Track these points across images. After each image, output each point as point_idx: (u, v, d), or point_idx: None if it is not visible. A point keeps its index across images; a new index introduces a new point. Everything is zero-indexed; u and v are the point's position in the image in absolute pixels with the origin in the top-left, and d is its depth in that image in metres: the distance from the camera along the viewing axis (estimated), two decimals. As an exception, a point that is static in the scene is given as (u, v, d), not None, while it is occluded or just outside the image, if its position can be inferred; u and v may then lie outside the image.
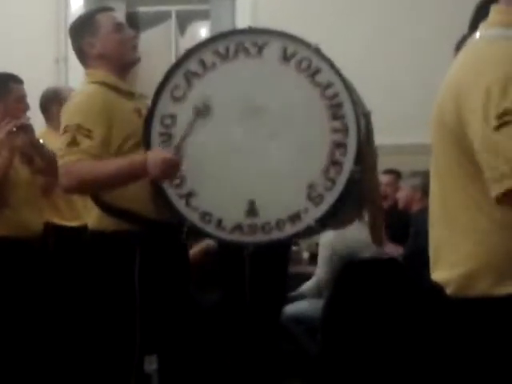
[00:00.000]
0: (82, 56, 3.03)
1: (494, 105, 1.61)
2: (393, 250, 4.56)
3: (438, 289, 1.81)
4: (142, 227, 2.86)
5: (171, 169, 2.75)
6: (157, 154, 2.75)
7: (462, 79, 1.71)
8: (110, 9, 3.17)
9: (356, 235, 4.15)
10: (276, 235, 2.76)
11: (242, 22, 5.67)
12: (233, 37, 2.80)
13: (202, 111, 2.74)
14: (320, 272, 4.47)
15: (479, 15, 1.98)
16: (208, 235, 2.91)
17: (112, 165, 2.79)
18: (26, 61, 5.37)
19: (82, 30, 3.01)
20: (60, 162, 2.83)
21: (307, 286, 4.67)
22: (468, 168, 1.71)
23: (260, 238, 2.77)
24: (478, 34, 1.81)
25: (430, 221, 1.90)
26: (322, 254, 4.42)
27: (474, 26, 1.94)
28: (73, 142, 2.78)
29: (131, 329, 2.85)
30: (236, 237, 2.79)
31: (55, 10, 6.00)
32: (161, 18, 6.29)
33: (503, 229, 1.68)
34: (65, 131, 2.83)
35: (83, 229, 3.11)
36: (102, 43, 2.97)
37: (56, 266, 4.00)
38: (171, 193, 2.82)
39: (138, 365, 2.88)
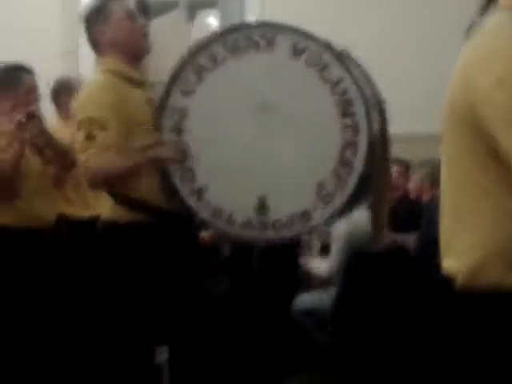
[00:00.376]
0: (95, 44, 3.03)
1: (507, 93, 1.58)
2: (403, 238, 4.56)
3: (448, 279, 1.79)
4: (155, 218, 2.87)
5: (179, 152, 2.79)
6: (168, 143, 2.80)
7: (473, 66, 1.69)
8: None
9: (368, 226, 4.14)
10: (286, 233, 2.76)
11: (251, 10, 5.65)
12: (243, 31, 2.79)
13: None
14: (333, 262, 4.46)
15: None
16: (219, 231, 2.91)
17: (129, 160, 2.83)
18: (35, 52, 5.33)
19: (94, 18, 3.01)
20: (80, 158, 2.84)
21: (319, 271, 4.65)
22: (478, 156, 1.70)
23: (270, 235, 2.77)
24: (487, 19, 1.77)
25: (440, 210, 1.88)
26: (336, 245, 4.41)
27: (483, 11, 1.92)
28: (89, 137, 2.80)
29: (144, 320, 2.86)
30: (246, 233, 2.79)
31: (65, 1, 5.99)
32: (169, 6, 6.26)
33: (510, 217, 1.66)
34: (79, 127, 2.84)
35: (95, 220, 3.12)
36: (113, 30, 2.96)
37: (68, 257, 4.00)
38: (183, 188, 2.82)
39: (150, 356, 2.89)
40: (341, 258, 4.37)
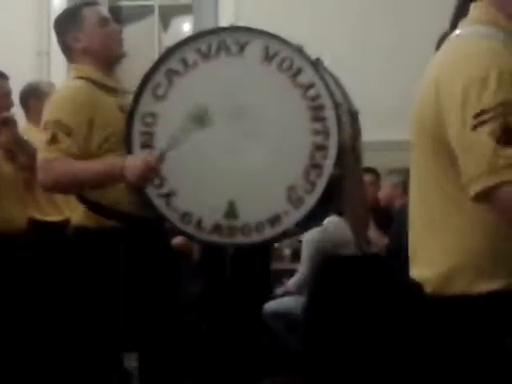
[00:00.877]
0: (67, 51, 3.00)
1: (470, 104, 1.61)
2: (377, 237, 4.57)
3: (417, 286, 1.81)
4: (125, 223, 2.85)
5: (149, 174, 2.76)
6: (136, 160, 2.76)
7: (440, 77, 1.71)
8: (95, 3, 3.14)
9: (339, 232, 4.16)
10: (255, 238, 2.75)
11: (225, 17, 5.65)
12: (215, 35, 2.78)
13: (199, 119, 2.73)
14: (303, 269, 4.48)
15: (460, 12, 1.98)
16: (188, 236, 2.90)
17: (89, 167, 2.80)
18: (8, 54, 5.32)
19: (67, 25, 2.98)
20: (38, 158, 2.83)
21: (290, 283, 4.67)
22: (446, 165, 1.71)
23: (239, 239, 2.76)
24: (457, 31, 1.80)
25: (409, 218, 1.90)
26: (306, 252, 4.43)
27: (454, 23, 1.94)
28: (53, 140, 2.78)
29: (114, 326, 2.84)
30: (215, 238, 2.78)
31: (37, 3, 5.97)
32: (143, 12, 6.26)
33: (481, 226, 1.68)
34: (45, 127, 2.82)
35: (65, 223, 3.10)
36: (87, 37, 2.94)
37: (38, 262, 3.98)
38: (152, 192, 2.81)
39: (119, 361, 2.88)
40: (311, 264, 4.39)
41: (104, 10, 3.15)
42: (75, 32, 2.95)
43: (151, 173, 2.76)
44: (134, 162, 2.76)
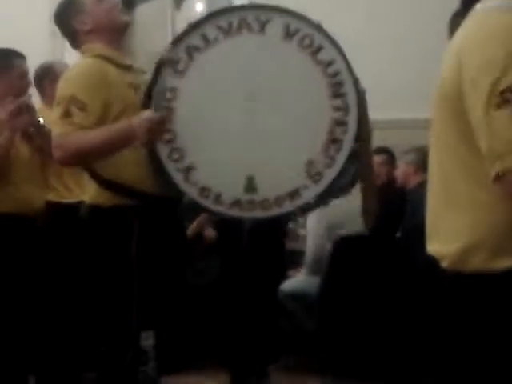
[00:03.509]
0: (76, 36, 3.04)
1: (493, 82, 1.60)
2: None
3: (433, 263, 1.81)
4: (140, 202, 2.87)
5: (156, 126, 2.76)
6: (141, 116, 2.77)
7: (463, 51, 1.70)
8: None
9: (344, 209, 4.16)
10: (275, 212, 2.76)
11: (239, -2, 5.64)
12: (236, 12, 2.79)
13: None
14: (310, 248, 4.49)
15: None
16: (206, 210, 2.91)
17: (101, 134, 2.80)
18: (22, 35, 5.32)
19: (68, 12, 3.03)
20: (53, 134, 2.84)
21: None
22: (468, 141, 1.70)
23: (259, 214, 2.78)
24: (479, 5, 1.78)
25: (428, 194, 1.89)
26: (312, 230, 4.44)
27: (465, 1, 1.93)
28: (66, 114, 2.80)
29: (128, 304, 2.86)
30: (235, 212, 2.79)
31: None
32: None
33: (501, 202, 1.67)
34: (58, 102, 2.84)
35: (78, 205, 3.11)
36: (91, 17, 2.98)
37: (52, 242, 4.00)
38: (170, 167, 2.81)
39: (135, 340, 2.89)
40: (316, 238, 4.39)
41: None
42: (79, 16, 2.99)
43: (158, 123, 2.77)
44: (140, 116, 2.77)
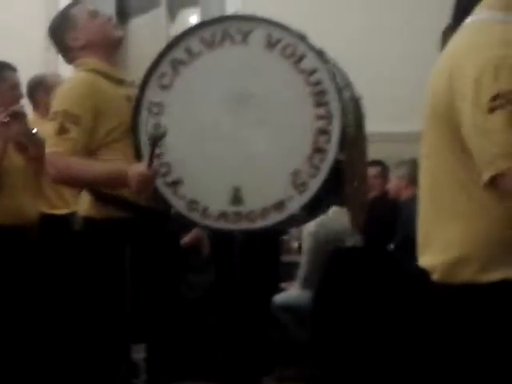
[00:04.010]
0: (69, 52, 3.06)
1: (485, 88, 1.61)
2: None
3: (424, 275, 1.81)
4: (134, 214, 2.87)
5: (146, 185, 2.77)
6: (136, 168, 2.78)
7: (455, 63, 1.71)
8: (79, 1, 3.19)
9: (339, 224, 4.16)
10: (261, 223, 2.75)
11: (232, 9, 5.65)
12: (218, 24, 2.79)
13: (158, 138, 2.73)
14: (304, 262, 4.49)
15: (462, 3, 1.98)
16: (194, 223, 2.91)
17: (94, 170, 2.84)
18: (17, 49, 5.35)
19: (62, 29, 3.05)
20: (48, 150, 2.85)
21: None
22: (458, 153, 1.71)
23: (245, 225, 2.77)
24: (471, 18, 1.80)
25: (419, 207, 1.90)
26: (306, 244, 4.44)
27: (457, 15, 1.94)
28: (61, 130, 2.81)
29: (121, 317, 2.85)
30: (221, 225, 2.79)
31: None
32: (151, 4, 6.27)
33: (491, 215, 1.68)
34: (52, 118, 2.85)
35: (71, 216, 3.12)
36: (84, 33, 3.01)
37: (46, 254, 4.00)
38: (158, 181, 2.81)
39: (126, 353, 2.89)
40: (311, 257, 4.39)
41: (89, 4, 3.19)
42: (72, 32, 3.02)
43: (147, 182, 2.77)
44: (134, 170, 2.78)
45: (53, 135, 2.83)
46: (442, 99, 1.74)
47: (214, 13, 5.60)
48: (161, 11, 6.20)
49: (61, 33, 3.05)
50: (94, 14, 3.06)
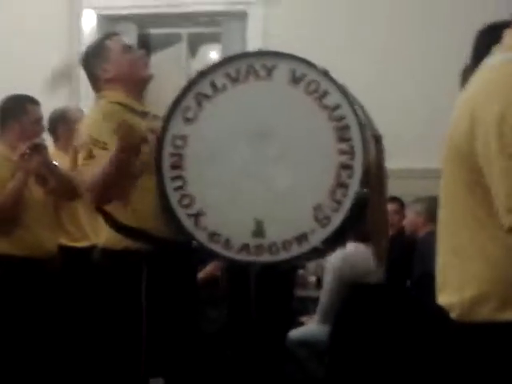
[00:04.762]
0: (97, 82, 3.10)
1: (509, 131, 1.61)
2: None
3: (443, 313, 1.81)
4: (152, 245, 2.89)
5: (126, 133, 2.76)
6: None
7: (476, 103, 1.71)
8: (116, 33, 3.25)
9: (362, 260, 4.16)
10: (282, 256, 2.76)
11: (253, 45, 5.71)
12: (243, 59, 2.83)
13: None
14: (324, 297, 4.47)
15: (481, 43, 2.00)
16: (215, 255, 2.92)
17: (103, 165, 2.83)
18: (39, 79, 5.43)
19: (93, 58, 3.10)
20: (79, 178, 2.89)
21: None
22: (477, 192, 1.71)
23: (266, 258, 2.78)
24: (490, 60, 1.81)
25: (437, 245, 1.89)
26: (327, 279, 4.42)
27: (476, 55, 1.96)
28: (89, 156, 2.85)
29: (137, 349, 2.86)
30: (243, 257, 2.80)
31: (68, 27, 6.08)
32: (172, 40, 6.34)
33: (510, 254, 1.67)
34: (81, 148, 2.90)
35: (91, 249, 3.13)
36: (114, 66, 3.05)
37: (65, 287, 4.01)
38: (181, 213, 2.84)
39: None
40: (332, 293, 4.38)
41: (125, 38, 3.27)
42: (103, 63, 3.06)
43: (126, 129, 2.77)
44: None
45: (81, 164, 2.87)
46: (463, 140, 1.73)
47: (235, 49, 5.66)
48: (182, 46, 6.28)
49: (92, 63, 3.10)
50: (127, 49, 3.11)
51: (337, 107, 2.70)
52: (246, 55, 2.90)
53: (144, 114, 3.06)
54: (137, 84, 3.09)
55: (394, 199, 5.05)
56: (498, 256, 1.70)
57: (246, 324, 3.19)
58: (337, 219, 2.70)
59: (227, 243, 2.81)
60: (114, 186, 2.85)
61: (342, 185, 2.70)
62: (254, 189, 2.80)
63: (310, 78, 2.74)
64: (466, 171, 1.74)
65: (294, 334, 4.51)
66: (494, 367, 1.71)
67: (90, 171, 2.83)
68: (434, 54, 5.55)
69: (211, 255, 3.06)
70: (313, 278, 5.19)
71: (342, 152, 2.69)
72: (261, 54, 2.86)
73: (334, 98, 2.71)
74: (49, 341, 3.88)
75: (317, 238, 2.72)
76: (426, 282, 2.19)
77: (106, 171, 2.79)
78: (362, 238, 3.95)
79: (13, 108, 3.95)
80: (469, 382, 1.78)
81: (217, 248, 2.83)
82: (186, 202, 2.84)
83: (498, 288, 1.69)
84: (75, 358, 3.99)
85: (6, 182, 3.75)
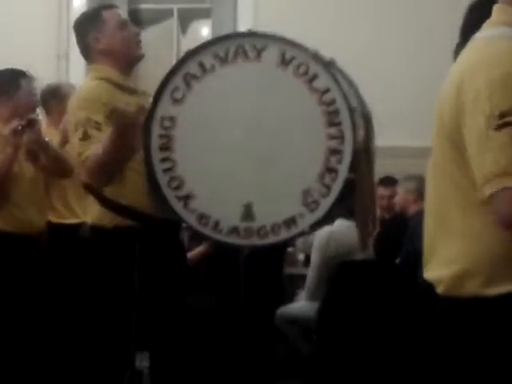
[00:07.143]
0: (87, 51, 3.06)
1: (492, 105, 1.61)
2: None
3: (430, 288, 1.82)
4: (142, 223, 2.88)
5: (118, 119, 2.69)
6: None
7: (462, 78, 1.72)
8: (115, 6, 3.20)
9: (348, 237, 4.17)
10: (271, 239, 2.77)
11: (244, 21, 5.68)
12: (232, 40, 2.81)
13: None
14: (311, 275, 4.49)
15: (470, 19, 2.00)
16: (204, 237, 2.92)
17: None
18: (28, 57, 5.36)
19: (87, 25, 3.05)
20: (78, 159, 2.86)
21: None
22: (463, 168, 1.72)
23: (255, 241, 2.79)
24: (479, 34, 1.81)
25: (424, 221, 1.91)
26: (314, 256, 4.44)
27: (466, 30, 1.95)
28: (85, 137, 2.81)
29: (127, 325, 2.86)
30: (232, 239, 2.80)
31: (57, 7, 6.02)
32: (163, 15, 6.31)
33: (496, 229, 1.68)
34: (76, 128, 2.86)
35: (79, 226, 3.13)
36: (107, 39, 3.01)
37: (53, 262, 4.01)
38: (169, 194, 2.83)
39: (131, 360, 2.90)
40: (319, 270, 4.40)
41: (123, 13, 3.20)
42: (95, 33, 3.01)
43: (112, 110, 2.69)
44: None
45: (77, 144, 2.84)
46: (448, 112, 1.75)
47: (226, 25, 5.63)
48: (172, 23, 6.24)
49: (85, 30, 3.05)
50: (123, 25, 3.06)
51: (327, 91, 2.70)
52: (235, 35, 2.90)
53: (133, 91, 3.04)
54: (127, 62, 3.06)
55: (386, 178, 5.07)
56: (484, 232, 1.71)
57: (234, 304, 3.20)
58: (325, 204, 2.71)
59: (216, 226, 2.81)
60: (114, 166, 2.84)
61: (331, 170, 2.70)
62: (243, 172, 2.80)
63: (299, 60, 2.72)
64: (453, 147, 1.75)
65: (283, 311, 4.54)
66: (479, 341, 1.73)
67: (89, 152, 2.80)
68: (429, 31, 5.54)
69: (200, 237, 3.06)
70: (301, 256, 5.21)
71: (332, 137, 2.69)
72: (250, 34, 2.83)
73: (323, 81, 2.70)
74: (38, 315, 3.88)
75: (305, 222, 2.73)
76: (415, 259, 2.20)
77: (106, 151, 2.76)
78: (349, 215, 3.95)
79: (6, 82, 3.91)
80: (455, 355, 1.79)
81: (206, 231, 2.83)
82: (175, 184, 2.83)
83: (485, 263, 1.71)
84: (64, 333, 3.99)
85: None
